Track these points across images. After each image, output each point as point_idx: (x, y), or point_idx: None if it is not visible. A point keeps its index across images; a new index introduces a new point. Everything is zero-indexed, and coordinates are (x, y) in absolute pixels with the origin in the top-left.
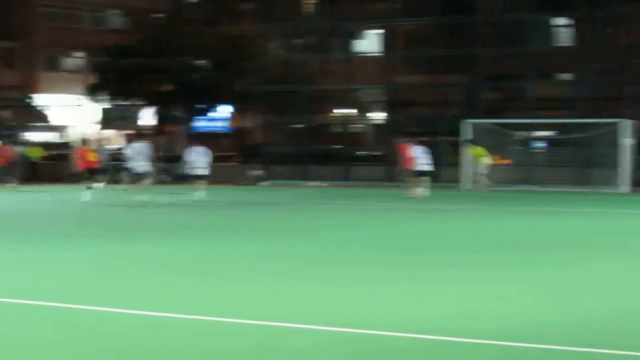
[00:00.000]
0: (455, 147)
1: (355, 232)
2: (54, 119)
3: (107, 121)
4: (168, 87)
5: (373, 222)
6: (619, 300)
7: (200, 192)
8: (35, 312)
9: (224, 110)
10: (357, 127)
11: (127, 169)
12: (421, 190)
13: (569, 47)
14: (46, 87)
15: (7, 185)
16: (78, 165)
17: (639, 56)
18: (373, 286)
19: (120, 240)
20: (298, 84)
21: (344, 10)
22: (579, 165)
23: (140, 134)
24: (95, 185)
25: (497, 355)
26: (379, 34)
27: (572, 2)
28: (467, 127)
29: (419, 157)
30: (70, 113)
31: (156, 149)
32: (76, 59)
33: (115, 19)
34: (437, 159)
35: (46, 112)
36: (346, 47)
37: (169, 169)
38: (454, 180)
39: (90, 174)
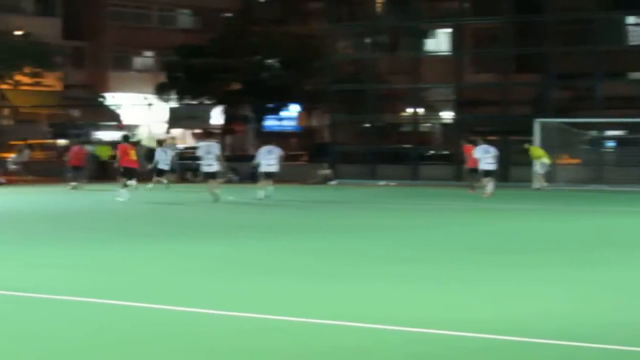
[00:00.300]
0: (524, 147)
1: (429, 231)
2: (125, 118)
3: (175, 120)
4: (237, 86)
5: (447, 222)
6: None
7: (268, 191)
8: (114, 310)
9: (293, 110)
10: (426, 126)
11: (195, 168)
12: (490, 189)
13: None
14: (115, 86)
15: (77, 184)
16: (120, 162)
17: None
18: (446, 285)
19: (190, 239)
20: (367, 83)
21: (413, 9)
22: None
23: (208, 133)
24: (129, 183)
25: (565, 355)
26: (449, 32)
27: None
28: (537, 126)
29: (484, 156)
30: (140, 112)
31: (224, 148)
32: (145, 58)
33: (185, 19)
34: (506, 159)
35: (118, 111)
36: (415, 46)
37: (237, 168)
38: (524, 180)
39: (126, 173)
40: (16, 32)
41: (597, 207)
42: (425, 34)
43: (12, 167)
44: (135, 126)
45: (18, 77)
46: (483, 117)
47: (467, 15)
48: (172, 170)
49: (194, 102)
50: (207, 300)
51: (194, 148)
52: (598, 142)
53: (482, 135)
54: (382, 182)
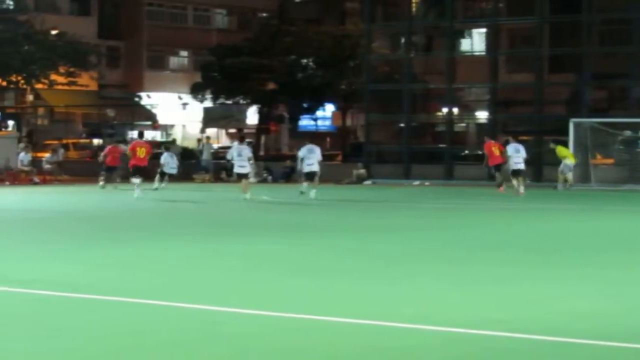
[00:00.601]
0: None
1: (464, 231)
2: (161, 118)
3: (210, 120)
4: (272, 86)
5: (482, 222)
6: None
7: (307, 189)
8: (156, 310)
9: (328, 109)
10: (460, 126)
11: (229, 168)
12: (522, 188)
13: None
14: (150, 86)
15: (105, 184)
16: (130, 161)
17: None
18: (482, 285)
19: (226, 238)
20: (402, 83)
21: (449, 10)
22: None
23: (242, 134)
24: (134, 180)
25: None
26: (484, 32)
27: None
28: (572, 126)
29: (514, 155)
30: (175, 112)
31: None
32: (180, 58)
33: (220, 18)
34: (541, 158)
35: (153, 111)
36: (450, 46)
37: (271, 168)
38: (556, 180)
39: (136, 171)
40: (52, 32)
41: (631, 207)
42: (461, 34)
43: (47, 166)
44: (171, 126)
45: (53, 77)
46: (518, 117)
47: (502, 15)
48: (206, 170)
49: (228, 102)
50: (248, 300)
51: (229, 148)
52: (633, 142)
53: (515, 135)
54: (416, 182)
